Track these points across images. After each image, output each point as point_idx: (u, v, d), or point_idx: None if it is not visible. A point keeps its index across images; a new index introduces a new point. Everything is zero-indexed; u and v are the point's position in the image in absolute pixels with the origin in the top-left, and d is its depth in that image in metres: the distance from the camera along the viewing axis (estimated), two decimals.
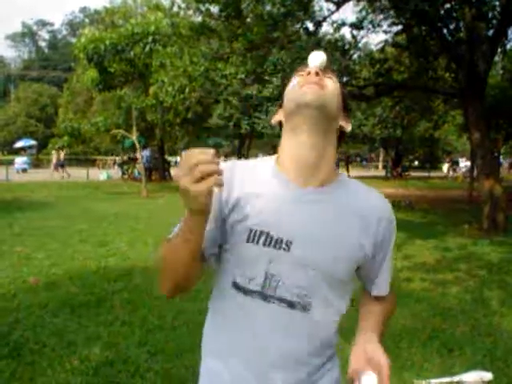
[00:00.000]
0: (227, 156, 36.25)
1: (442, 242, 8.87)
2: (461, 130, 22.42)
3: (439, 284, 6.02)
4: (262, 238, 1.15)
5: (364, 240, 1.19)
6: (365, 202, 1.23)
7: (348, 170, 31.36)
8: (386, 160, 35.96)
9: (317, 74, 1.19)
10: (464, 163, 29.78)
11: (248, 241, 1.15)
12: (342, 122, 1.25)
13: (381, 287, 1.30)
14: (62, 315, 4.53)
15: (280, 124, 1.28)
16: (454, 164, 35.38)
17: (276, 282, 1.15)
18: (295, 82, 1.22)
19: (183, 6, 10.77)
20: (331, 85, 1.21)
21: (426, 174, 35.73)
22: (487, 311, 5.04)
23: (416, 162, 43.62)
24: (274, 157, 1.27)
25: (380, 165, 45.45)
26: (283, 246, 1.14)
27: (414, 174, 35.71)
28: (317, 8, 10.27)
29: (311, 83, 1.17)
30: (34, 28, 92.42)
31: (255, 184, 1.20)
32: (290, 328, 1.17)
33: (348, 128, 1.27)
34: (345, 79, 11.06)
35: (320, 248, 1.15)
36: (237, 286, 1.19)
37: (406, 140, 32.92)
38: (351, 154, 43.53)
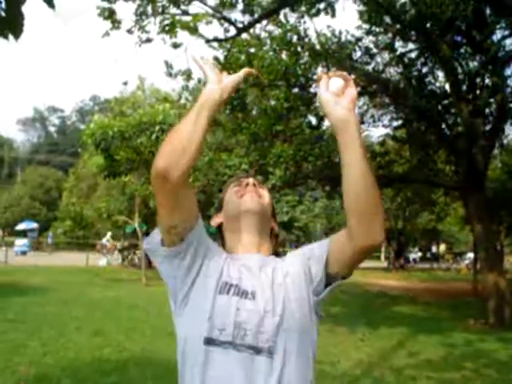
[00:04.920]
0: None
1: (446, 337, 8.60)
2: (463, 222, 22.45)
3: (446, 383, 5.77)
4: (232, 289, 1.34)
5: (307, 275, 1.41)
6: (296, 254, 1.51)
7: None
8: (388, 251, 35.72)
9: (254, 185, 1.53)
10: (468, 255, 29.55)
11: (221, 292, 1.34)
12: (273, 224, 1.58)
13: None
14: None
15: (219, 226, 1.58)
16: (457, 256, 35.09)
17: (244, 330, 1.29)
18: (233, 192, 1.53)
19: (190, 98, 11.15)
20: (266, 194, 1.55)
21: (428, 266, 35.38)
22: None
23: (419, 254, 43.29)
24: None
25: (382, 256, 45.11)
26: (249, 295, 1.34)
27: (416, 265, 35.33)
28: (319, 103, 10.61)
29: (251, 192, 1.50)
30: (45, 113, 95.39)
31: (220, 256, 1.42)
32: (259, 374, 1.26)
33: (276, 229, 1.60)
34: None
35: (277, 294, 1.35)
36: (208, 341, 1.29)
37: (407, 231, 32.89)
38: None
